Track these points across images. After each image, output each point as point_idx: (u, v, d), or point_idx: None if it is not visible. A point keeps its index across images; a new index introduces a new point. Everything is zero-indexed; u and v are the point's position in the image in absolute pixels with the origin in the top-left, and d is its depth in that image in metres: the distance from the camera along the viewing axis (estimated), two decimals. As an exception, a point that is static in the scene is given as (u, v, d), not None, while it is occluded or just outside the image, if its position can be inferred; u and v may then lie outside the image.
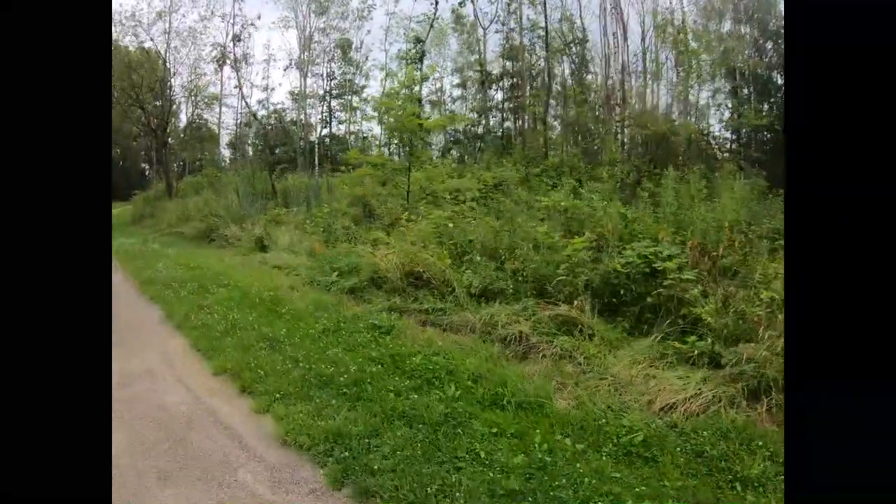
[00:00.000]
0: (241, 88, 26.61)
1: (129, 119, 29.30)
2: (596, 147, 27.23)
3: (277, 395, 4.95)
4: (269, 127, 28.23)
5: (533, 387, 4.68)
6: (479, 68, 33.71)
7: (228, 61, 24.73)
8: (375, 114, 38.40)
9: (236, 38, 24.91)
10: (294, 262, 10.82)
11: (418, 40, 34.16)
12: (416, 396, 4.68)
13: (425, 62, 37.62)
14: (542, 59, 29.54)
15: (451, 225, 10.53)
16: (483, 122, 33.06)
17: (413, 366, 5.30)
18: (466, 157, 23.77)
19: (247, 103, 27.98)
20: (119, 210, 34.29)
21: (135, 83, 26.14)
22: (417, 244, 9.79)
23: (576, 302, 6.24)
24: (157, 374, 5.91)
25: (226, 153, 43.83)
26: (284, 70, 41.32)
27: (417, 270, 8.45)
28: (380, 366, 5.41)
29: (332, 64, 40.38)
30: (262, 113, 44.50)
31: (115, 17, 24.38)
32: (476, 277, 7.79)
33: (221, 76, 33.24)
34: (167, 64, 27.50)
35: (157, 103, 28.57)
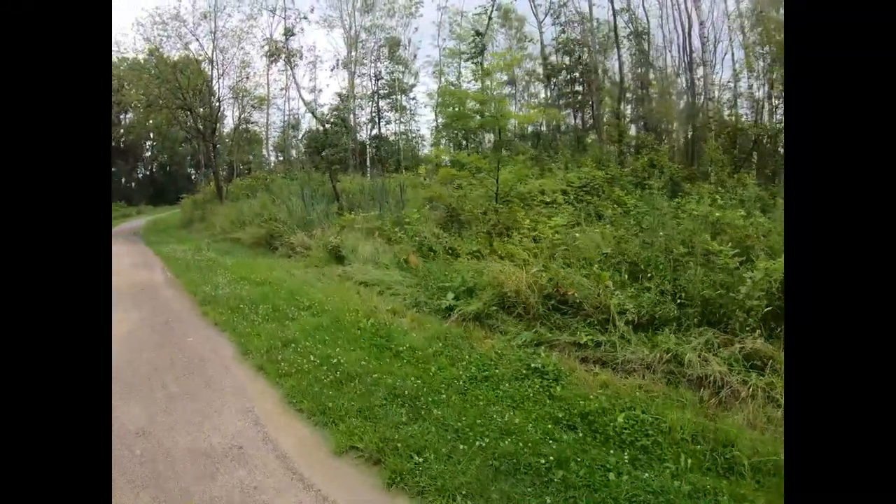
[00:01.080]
0: (296, 84, 25.01)
1: (177, 122, 28.10)
2: (682, 145, 25.00)
3: (453, 495, 3.36)
4: (328, 125, 26.45)
5: (761, 443, 3.75)
6: (540, 61, 31.94)
7: (282, 56, 23.08)
8: (426, 112, 37.02)
9: (289, 33, 23.29)
10: (385, 277, 8.86)
11: (478, 33, 32.39)
12: (644, 475, 3.49)
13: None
14: (596, 53, 27.82)
15: (577, 235, 8.52)
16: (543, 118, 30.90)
17: (617, 428, 4.03)
18: (543, 155, 21.51)
19: (303, 99, 26.48)
20: (167, 214, 33.37)
21: (182, 85, 24.88)
22: (541, 256, 7.82)
23: (758, 331, 5.20)
24: (250, 456, 3.98)
25: (270, 156, 43.27)
26: (332, 70, 40.33)
27: (562, 292, 6.58)
28: (573, 431, 4.09)
29: (379, 63, 39.16)
30: (310, 116, 43.99)
31: (158, 18, 23.53)
32: (633, 300, 6.08)
33: (268, 77, 32.09)
34: (214, 65, 26.17)
35: (202, 109, 27.28)
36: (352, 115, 40.44)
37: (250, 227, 15.34)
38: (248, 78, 27.82)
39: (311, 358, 5.62)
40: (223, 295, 8.66)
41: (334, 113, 32.39)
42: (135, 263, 13.49)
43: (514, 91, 36.23)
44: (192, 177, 50.72)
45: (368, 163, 37.20)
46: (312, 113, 23.60)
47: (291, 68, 24.45)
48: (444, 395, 4.59)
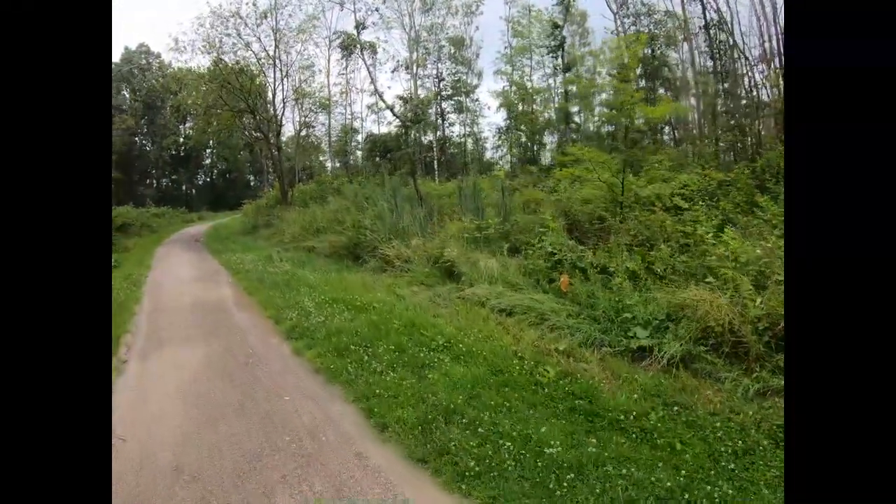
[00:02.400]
0: (371, 78, 23.15)
1: (240, 125, 26.79)
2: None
3: None
4: (409, 123, 24.55)
5: None
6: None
7: (356, 49, 21.25)
8: (489, 113, 34.99)
9: (360, 26, 21.49)
10: (531, 303, 6.59)
11: (555, 25, 30.15)
12: None
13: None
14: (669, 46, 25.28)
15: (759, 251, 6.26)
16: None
17: None
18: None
19: (379, 94, 24.62)
20: (229, 219, 32.04)
21: (244, 87, 23.45)
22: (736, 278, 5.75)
23: None
24: None
25: (328, 161, 41.96)
26: (392, 72, 38.65)
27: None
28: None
29: (440, 64, 37.28)
30: (373, 118, 42.47)
31: (218, 17, 22.23)
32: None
33: (328, 80, 30.51)
34: (276, 66, 24.63)
35: (264, 112, 25.84)
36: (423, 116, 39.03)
37: (327, 235, 13.34)
38: (312, 77, 26.21)
39: (499, 441, 3.52)
40: (318, 325, 6.54)
41: (417, 109, 30.37)
42: (199, 276, 11.62)
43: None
44: (251, 183, 50.76)
45: (436, 166, 35.34)
46: (391, 110, 21.50)
47: (365, 61, 22.52)
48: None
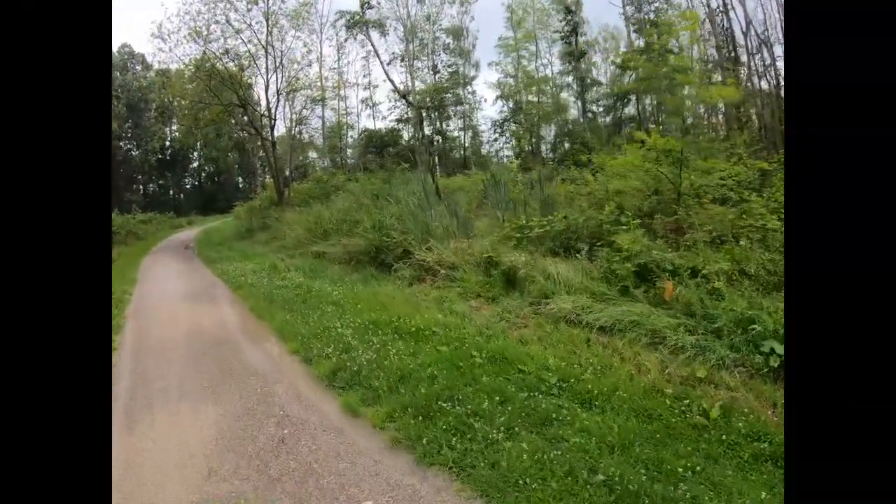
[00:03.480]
0: (379, 60, 21.14)
1: (232, 118, 24.82)
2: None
3: None
4: (426, 108, 22.77)
5: None
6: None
7: (362, 27, 19.34)
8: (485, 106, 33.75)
9: (365, 5, 19.61)
10: (629, 316, 4.91)
11: (568, 10, 28.45)
12: None
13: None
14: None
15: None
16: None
17: None
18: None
19: (391, 81, 22.89)
20: (220, 223, 30.01)
21: (235, 78, 21.53)
22: None
23: None
24: None
25: (322, 158, 40.02)
26: (388, 64, 36.75)
27: None
28: None
29: (435, 56, 35.49)
30: (367, 113, 40.57)
31: (204, 3, 20.25)
32: None
33: (321, 72, 28.62)
34: (268, 55, 22.63)
35: (253, 106, 23.92)
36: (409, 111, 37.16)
37: (340, 238, 11.50)
38: (308, 66, 24.22)
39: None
40: (369, 365, 4.78)
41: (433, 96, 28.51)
42: (192, 292, 9.77)
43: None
44: (241, 185, 49.03)
45: (437, 160, 33.52)
46: (404, 97, 19.41)
47: (373, 43, 20.62)
48: None
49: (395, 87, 20.28)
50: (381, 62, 20.76)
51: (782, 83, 18.13)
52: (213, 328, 7.12)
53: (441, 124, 37.09)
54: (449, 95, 37.71)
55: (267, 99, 22.83)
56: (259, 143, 24.40)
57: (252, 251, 14.75)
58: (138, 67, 41.19)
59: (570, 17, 26.41)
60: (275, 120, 22.73)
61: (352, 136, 38.97)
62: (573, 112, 33.96)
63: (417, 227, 9.19)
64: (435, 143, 36.16)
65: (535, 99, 32.78)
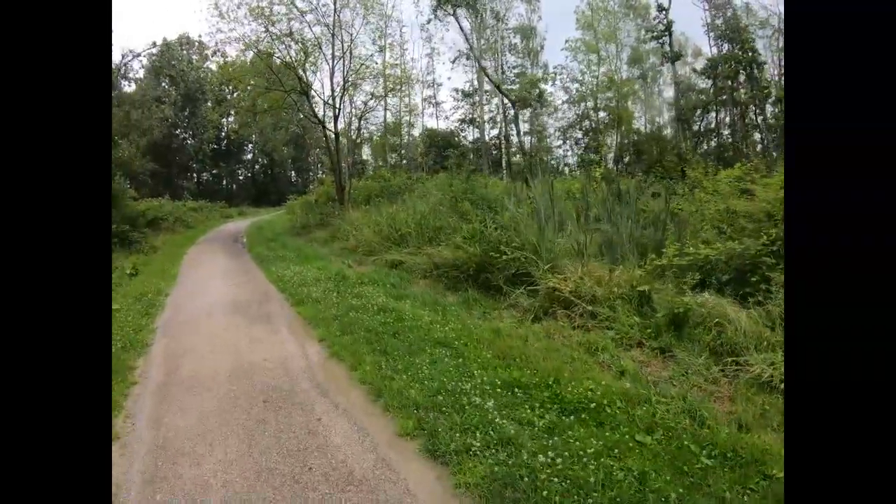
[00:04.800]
0: (468, 43, 18.90)
1: (288, 111, 23.21)
2: None
3: None
4: (520, 101, 20.51)
5: None
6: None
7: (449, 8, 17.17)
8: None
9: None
10: None
11: (661, 8, 25.87)
12: None
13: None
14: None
15: None
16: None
17: None
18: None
19: (484, 70, 20.50)
20: (272, 216, 28.26)
21: (299, 62, 19.72)
22: None
23: None
24: None
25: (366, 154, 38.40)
26: (452, 62, 34.73)
27: None
28: None
29: (501, 56, 33.27)
30: (429, 111, 38.55)
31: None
32: None
33: (384, 64, 26.57)
34: (334, 40, 20.71)
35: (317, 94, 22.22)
36: (479, 112, 34.99)
37: (424, 247, 9.25)
38: (378, 53, 22.29)
39: None
40: (551, 474, 2.60)
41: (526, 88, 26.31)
42: (243, 303, 7.65)
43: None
44: (293, 179, 48.75)
45: (504, 164, 31.18)
46: (498, 88, 16.98)
47: (460, 25, 18.36)
48: None
49: (490, 77, 17.56)
50: (473, 49, 18.21)
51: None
52: (272, 368, 4.95)
53: (507, 128, 34.90)
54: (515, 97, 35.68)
55: (332, 87, 20.90)
56: (316, 137, 22.80)
57: (310, 251, 12.62)
58: (195, 57, 40.62)
59: (662, 15, 23.71)
60: (339, 110, 20.75)
61: (412, 135, 37.28)
62: (651, 119, 31.80)
63: (542, 242, 6.79)
64: (499, 146, 34.05)
65: (615, 103, 30.34)
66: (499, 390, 4.09)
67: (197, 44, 39.79)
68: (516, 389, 4.05)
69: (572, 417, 3.60)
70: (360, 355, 5.00)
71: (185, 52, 40.29)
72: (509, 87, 34.98)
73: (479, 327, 5.69)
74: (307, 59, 20.57)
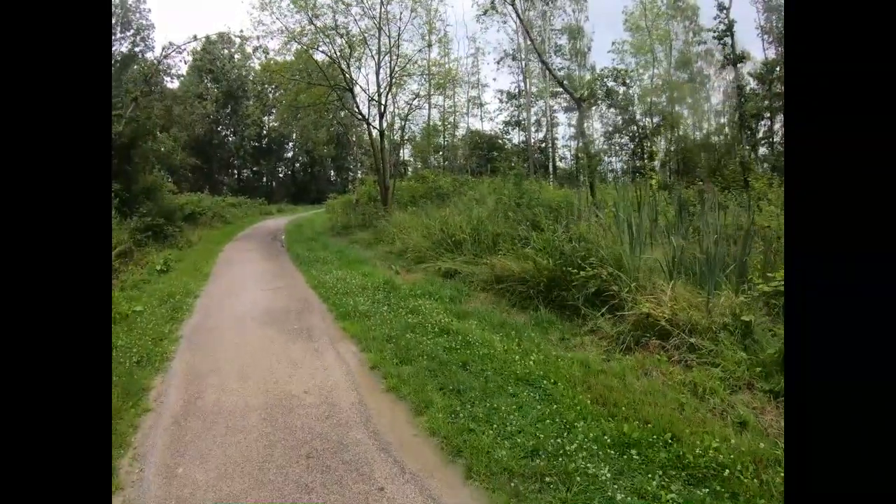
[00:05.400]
0: (529, 39, 17.75)
1: (331, 107, 22.49)
2: None
3: None
4: (586, 100, 19.29)
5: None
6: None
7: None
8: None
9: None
10: None
11: (722, 7, 24.26)
12: None
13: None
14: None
15: None
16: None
17: None
18: None
19: (546, 65, 19.34)
20: (311, 213, 27.60)
21: (344, 55, 18.91)
22: None
23: None
24: None
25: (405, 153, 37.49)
26: (497, 63, 33.60)
27: None
28: None
29: (548, 57, 31.92)
30: (474, 112, 37.45)
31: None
32: None
33: (428, 60, 25.57)
34: (381, 33, 19.81)
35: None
36: (525, 114, 33.76)
37: (483, 255, 8.17)
38: (427, 49, 21.38)
39: None
40: None
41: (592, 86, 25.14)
42: (281, 312, 6.72)
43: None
44: (332, 178, 48.49)
45: (552, 168, 29.89)
46: (562, 84, 15.71)
47: (519, 15, 17.24)
48: None
49: (551, 70, 16.31)
50: (535, 45, 17.02)
51: None
52: (316, 405, 3.97)
53: (552, 132, 33.60)
54: (563, 100, 34.38)
55: (377, 83, 20.01)
56: (357, 136, 21.96)
57: (353, 254, 11.64)
58: (237, 56, 40.97)
59: (723, 14, 22.15)
60: (384, 106, 19.82)
61: (455, 136, 36.22)
62: (700, 124, 30.13)
63: (629, 258, 5.63)
64: (543, 150, 32.75)
65: (665, 107, 28.76)
66: (610, 451, 3.09)
67: (238, 42, 40.09)
68: (627, 449, 3.07)
69: (704, 489, 2.74)
70: (425, 393, 3.99)
71: (226, 49, 40.56)
72: (557, 88, 33.96)
73: (563, 359, 4.59)
74: (352, 53, 19.72)
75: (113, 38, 32.33)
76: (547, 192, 12.81)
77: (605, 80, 28.70)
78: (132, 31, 33.33)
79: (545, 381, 4.12)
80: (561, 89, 33.85)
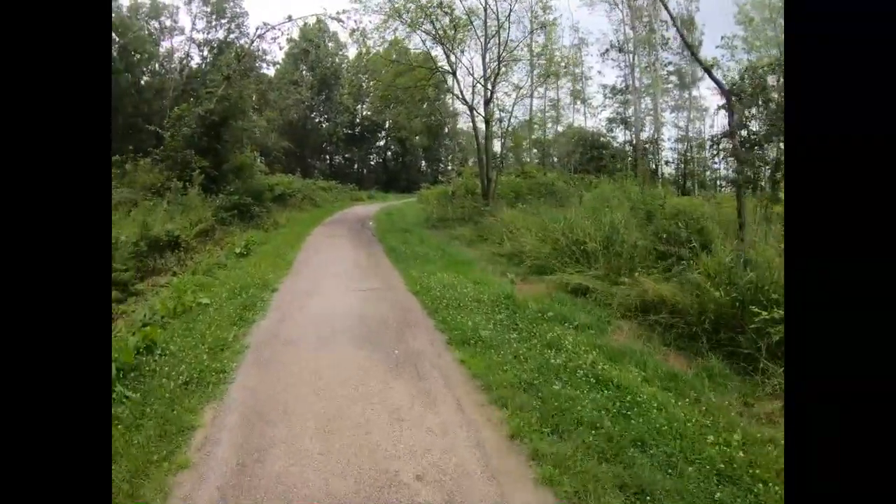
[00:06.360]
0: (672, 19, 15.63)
1: (431, 92, 21.27)
2: None
3: None
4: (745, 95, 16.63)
5: None
6: None
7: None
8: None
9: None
10: None
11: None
12: None
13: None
14: None
15: None
16: None
17: None
18: None
19: (694, 55, 17.26)
20: (402, 203, 26.32)
21: (448, 36, 17.38)
22: None
23: None
24: None
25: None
26: (602, 55, 30.93)
27: None
28: None
29: (653, 51, 29.05)
30: (576, 107, 35.11)
31: None
32: None
33: (530, 48, 23.44)
34: (487, 13, 18.11)
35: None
36: (632, 110, 31.10)
37: (624, 270, 6.39)
38: (542, 28, 19.49)
39: None
40: None
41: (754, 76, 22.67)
42: (377, 324, 5.26)
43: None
44: (422, 169, 47.48)
45: (660, 172, 27.22)
46: (709, 72, 13.13)
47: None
48: None
49: (700, 61, 13.91)
50: (676, 20, 14.86)
51: None
52: (435, 499, 2.45)
53: (658, 131, 30.72)
54: (672, 97, 31.55)
55: (483, 67, 18.33)
56: (447, 129, 20.49)
57: (456, 253, 10.03)
58: (331, 44, 41.51)
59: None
60: (491, 92, 18.13)
61: (556, 131, 33.98)
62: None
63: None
64: (647, 151, 29.97)
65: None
66: None
67: (333, 28, 40.59)
68: None
69: None
70: (599, 494, 2.40)
71: (322, 37, 40.98)
72: (665, 85, 31.02)
73: (762, 437, 2.93)
74: (456, 34, 18.12)
75: (209, 25, 33.63)
76: (671, 200, 10.76)
77: (761, 71, 25.45)
78: (227, 19, 33.95)
79: (749, 477, 2.56)
80: (670, 85, 31.07)
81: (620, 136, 32.08)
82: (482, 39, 17.98)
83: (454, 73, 18.66)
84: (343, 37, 37.28)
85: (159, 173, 13.62)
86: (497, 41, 17.87)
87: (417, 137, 44.10)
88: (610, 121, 32.30)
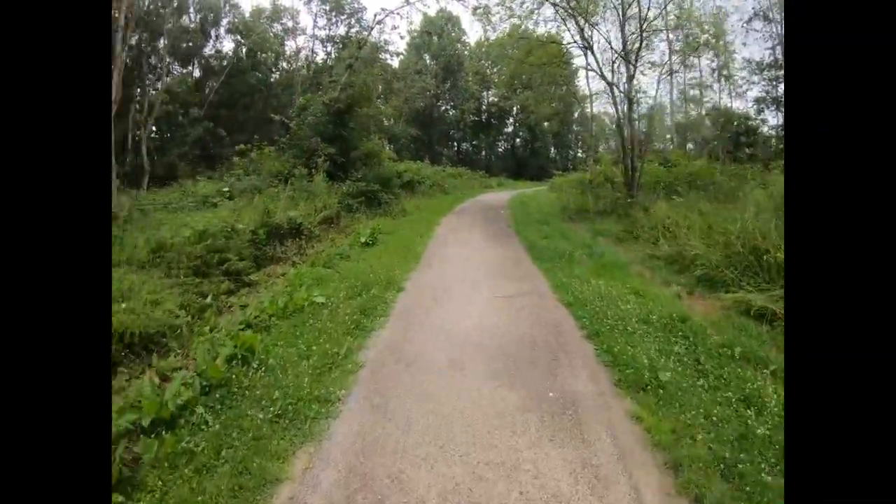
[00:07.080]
0: None
1: (564, 69, 19.80)
2: None
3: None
4: None
5: None
6: None
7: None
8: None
9: None
10: None
11: None
12: None
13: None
14: None
15: None
16: None
17: None
18: None
19: None
20: (533, 192, 24.88)
21: (581, 9, 15.74)
22: None
23: None
24: None
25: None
26: (746, 24, 26.97)
27: None
28: None
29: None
30: (720, 86, 31.44)
31: None
32: None
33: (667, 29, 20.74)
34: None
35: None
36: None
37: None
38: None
39: None
40: None
41: None
42: (523, 351, 4.23)
43: None
44: (552, 156, 46.34)
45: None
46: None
47: None
48: None
49: None
50: None
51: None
52: None
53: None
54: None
55: (623, 37, 16.39)
56: (577, 115, 18.58)
57: (604, 252, 8.45)
58: (452, 33, 42.03)
59: None
60: (635, 67, 16.22)
61: (699, 113, 30.61)
62: None
63: None
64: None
65: None
66: None
67: (456, 17, 41.15)
68: None
69: None
70: None
71: (445, 25, 41.23)
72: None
73: None
74: (589, 8, 16.39)
75: (330, 22, 34.97)
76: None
77: None
78: (346, 15, 35.06)
79: None
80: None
81: (771, 118, 27.95)
82: (619, 9, 16.13)
83: (591, 48, 16.99)
84: (465, 22, 36.74)
85: (286, 161, 13.65)
86: (638, 9, 15.93)
87: (547, 123, 42.55)
88: (757, 101, 28.28)
